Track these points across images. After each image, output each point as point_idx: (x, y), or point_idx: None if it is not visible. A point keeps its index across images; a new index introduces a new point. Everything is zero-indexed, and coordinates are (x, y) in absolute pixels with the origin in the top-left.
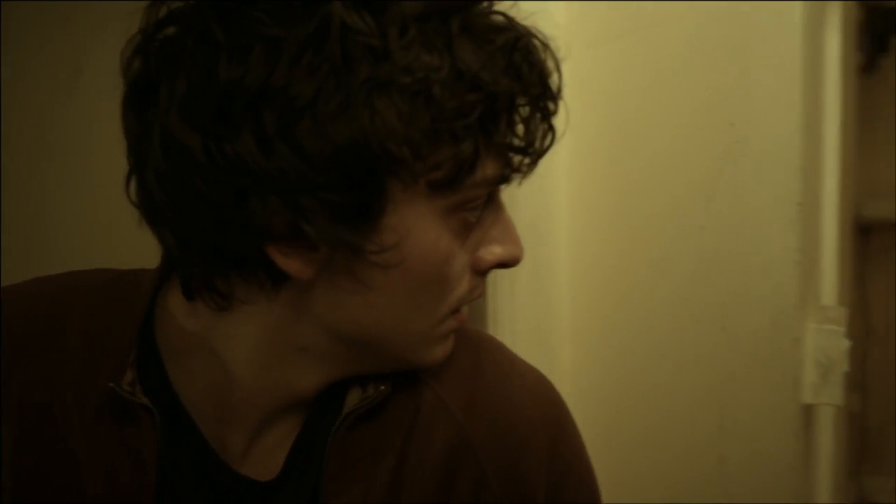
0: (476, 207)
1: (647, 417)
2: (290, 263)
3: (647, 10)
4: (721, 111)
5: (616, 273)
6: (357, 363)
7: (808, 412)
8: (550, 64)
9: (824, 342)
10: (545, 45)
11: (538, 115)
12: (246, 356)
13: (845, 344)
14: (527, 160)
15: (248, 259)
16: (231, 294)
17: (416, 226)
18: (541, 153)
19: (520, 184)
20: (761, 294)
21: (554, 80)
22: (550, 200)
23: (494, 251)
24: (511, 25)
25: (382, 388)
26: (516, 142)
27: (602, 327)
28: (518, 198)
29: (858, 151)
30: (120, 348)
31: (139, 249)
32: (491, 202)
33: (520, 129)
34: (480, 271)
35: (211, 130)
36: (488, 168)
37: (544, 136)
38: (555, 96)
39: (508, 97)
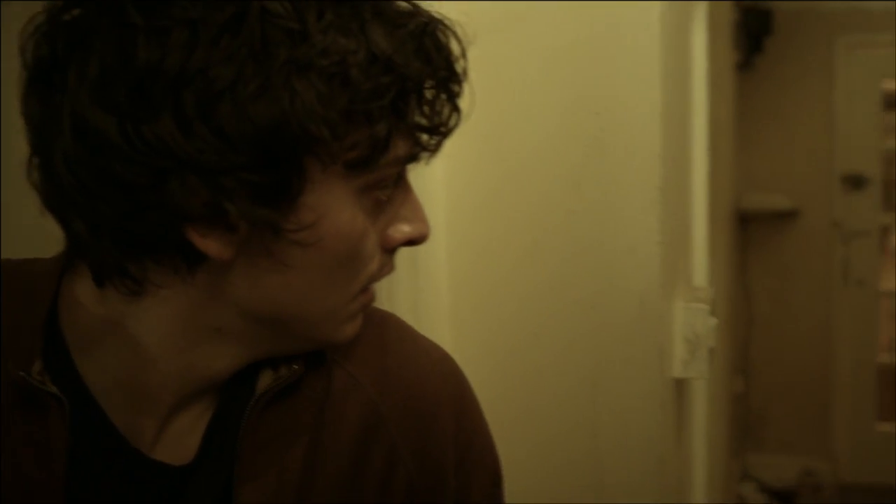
0: (387, 186)
1: (525, 395)
2: (208, 245)
3: (515, 6)
4: (587, 103)
5: (492, 256)
6: (270, 343)
7: (679, 386)
8: (456, 48)
9: (691, 319)
10: (451, 31)
11: (444, 97)
12: (159, 340)
13: (712, 321)
14: (434, 139)
15: (165, 242)
16: (144, 279)
17: (333, 205)
18: (448, 132)
19: (427, 162)
20: (628, 273)
21: (460, 64)
22: (428, 186)
23: (403, 229)
24: (418, 11)
25: (295, 367)
26: (425, 122)
27: (479, 309)
28: None
29: (738, 146)
30: (26, 339)
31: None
32: (399, 182)
33: (427, 109)
34: (389, 249)
35: (127, 112)
36: (399, 148)
37: (450, 116)
38: (460, 79)
39: (419, 80)
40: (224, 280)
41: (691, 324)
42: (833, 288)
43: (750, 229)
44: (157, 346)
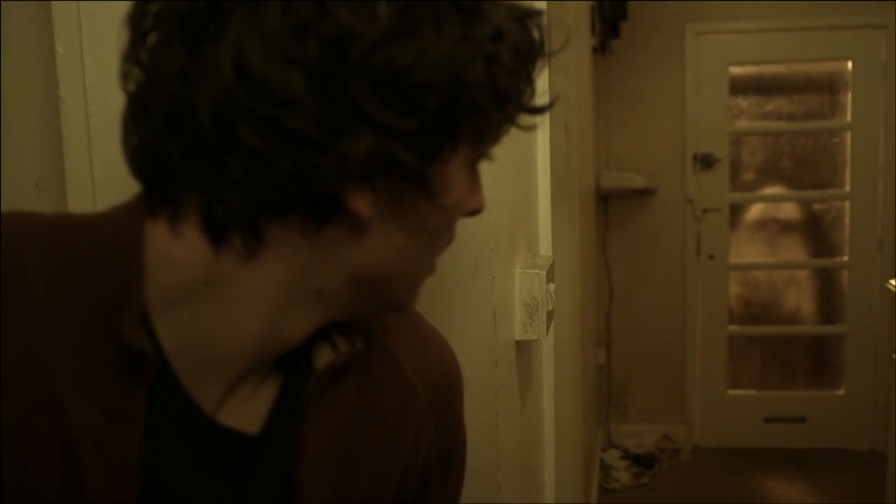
0: (480, 160)
1: None
2: (360, 204)
3: None
4: None
5: None
6: (350, 307)
7: (523, 348)
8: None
9: (529, 284)
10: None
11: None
12: (260, 300)
13: (549, 287)
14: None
15: (308, 199)
16: (268, 237)
17: (458, 172)
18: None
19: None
20: (463, 238)
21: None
22: None
23: (473, 202)
24: (521, 3)
25: (359, 344)
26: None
27: None
28: None
29: (598, 127)
30: (131, 301)
31: None
32: None
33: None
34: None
35: (318, 68)
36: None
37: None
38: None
39: (536, 66)
40: (346, 240)
41: (529, 288)
42: (687, 262)
43: (609, 207)
44: (255, 307)
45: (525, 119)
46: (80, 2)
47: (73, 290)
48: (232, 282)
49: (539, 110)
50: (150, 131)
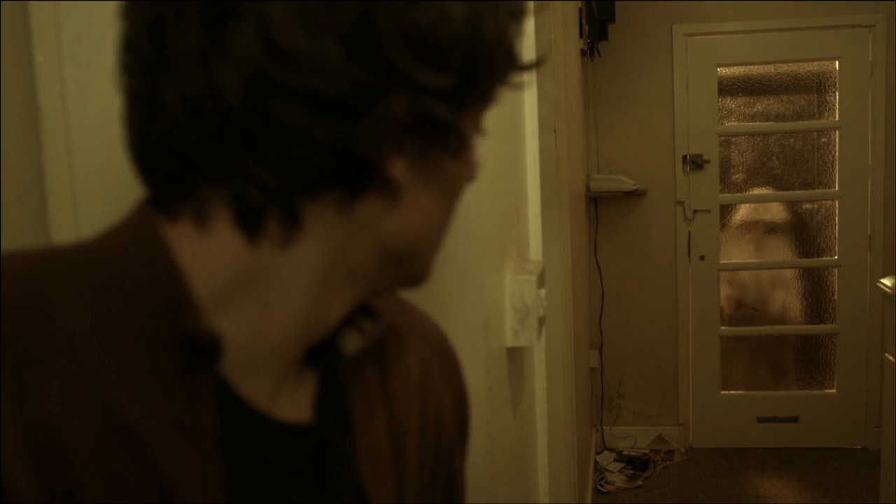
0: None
1: None
2: (396, 169)
3: None
4: None
5: None
6: (376, 283)
7: (515, 354)
8: None
9: (519, 290)
10: None
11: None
12: (301, 289)
13: (540, 292)
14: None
15: (350, 171)
16: (305, 218)
17: (470, 131)
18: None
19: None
20: (453, 245)
21: None
22: None
23: (475, 168)
24: None
25: (384, 324)
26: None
27: None
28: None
29: (588, 130)
30: (183, 295)
31: None
32: None
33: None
34: None
35: (350, 34)
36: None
37: None
38: None
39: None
40: (379, 211)
41: (519, 294)
42: (678, 263)
43: (599, 209)
44: (295, 295)
45: (515, 79)
46: (60, 6)
47: (122, 328)
48: (270, 273)
49: (530, 67)
50: (168, 124)
